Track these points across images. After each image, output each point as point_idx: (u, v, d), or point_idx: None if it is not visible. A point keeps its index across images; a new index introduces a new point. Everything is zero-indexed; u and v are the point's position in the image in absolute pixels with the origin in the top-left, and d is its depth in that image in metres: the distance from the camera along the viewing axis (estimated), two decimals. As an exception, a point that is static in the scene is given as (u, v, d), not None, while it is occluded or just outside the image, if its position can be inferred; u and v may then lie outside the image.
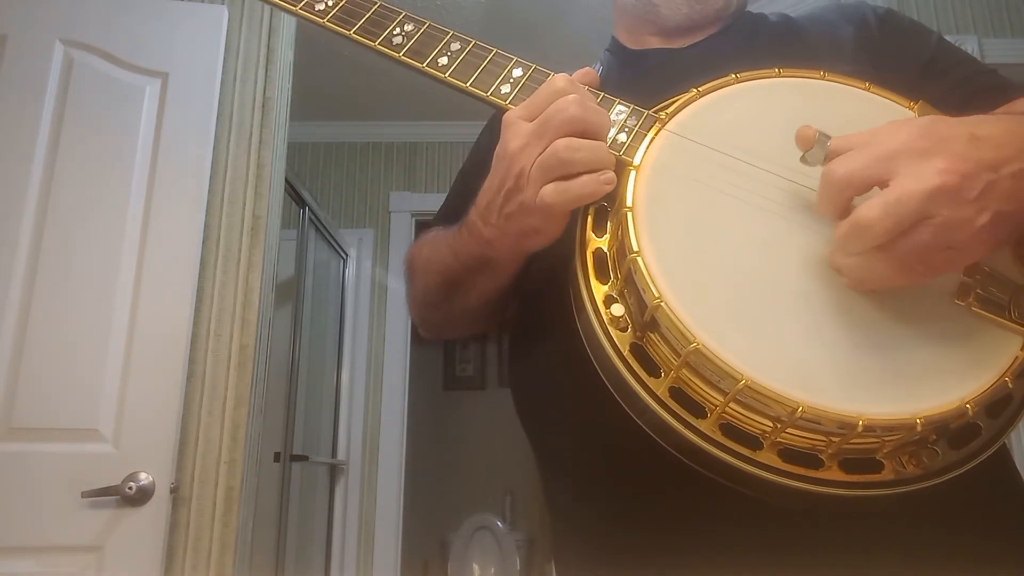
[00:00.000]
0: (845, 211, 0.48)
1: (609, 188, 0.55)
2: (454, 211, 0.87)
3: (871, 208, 0.45)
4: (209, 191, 1.75)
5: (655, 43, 0.83)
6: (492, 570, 3.83)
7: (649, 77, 0.78)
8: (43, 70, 1.68)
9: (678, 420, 0.49)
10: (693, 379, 0.50)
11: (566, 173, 0.54)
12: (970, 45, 2.27)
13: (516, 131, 0.57)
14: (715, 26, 0.82)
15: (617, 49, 0.87)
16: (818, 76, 0.62)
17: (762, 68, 0.63)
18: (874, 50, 0.74)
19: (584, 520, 0.71)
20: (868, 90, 0.61)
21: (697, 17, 0.80)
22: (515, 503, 4.16)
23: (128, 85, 1.74)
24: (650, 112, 0.60)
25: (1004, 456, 0.66)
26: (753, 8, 0.86)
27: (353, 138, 3.46)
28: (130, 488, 1.47)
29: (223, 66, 1.83)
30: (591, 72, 0.61)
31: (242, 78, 1.88)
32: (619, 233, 0.55)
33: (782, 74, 0.62)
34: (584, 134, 0.55)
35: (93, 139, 1.68)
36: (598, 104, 0.58)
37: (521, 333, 0.78)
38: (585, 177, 0.54)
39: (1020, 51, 2.31)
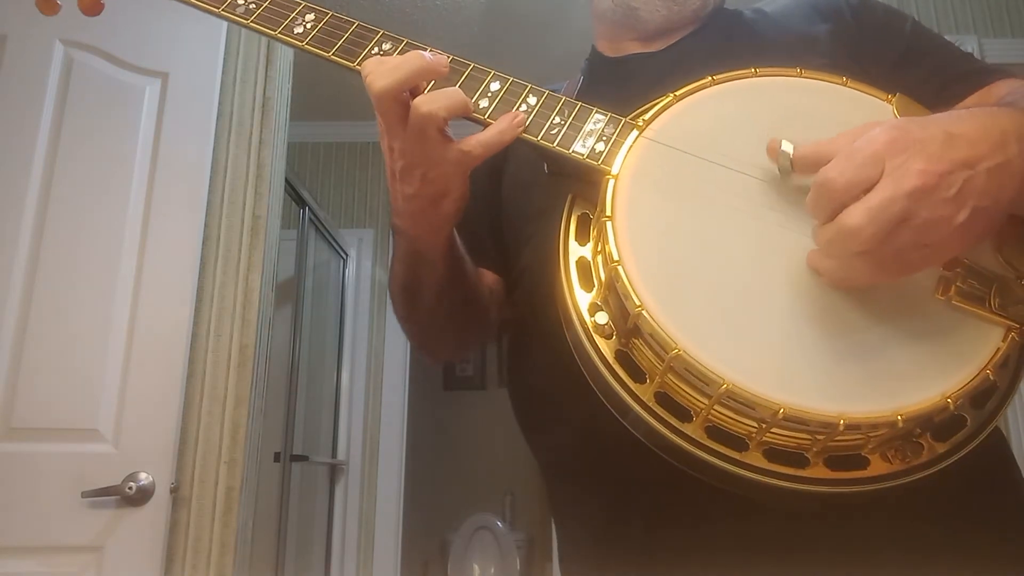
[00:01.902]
0: (837, 214, 0.49)
1: (459, 99, 0.58)
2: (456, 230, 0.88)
3: (855, 215, 0.46)
4: (209, 191, 1.75)
5: (634, 48, 0.83)
6: (492, 570, 3.83)
7: (629, 84, 0.78)
8: (43, 70, 1.68)
9: (664, 425, 0.50)
10: (678, 383, 0.51)
11: (439, 124, 0.57)
12: (970, 45, 2.27)
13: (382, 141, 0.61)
14: (692, 26, 0.81)
15: (596, 58, 0.87)
16: (795, 74, 0.62)
17: (739, 67, 0.63)
18: (850, 41, 0.74)
19: (585, 518, 0.71)
20: (845, 84, 0.61)
21: (676, 18, 0.80)
22: (515, 503, 4.16)
23: (128, 85, 1.74)
24: (627, 120, 0.60)
25: (1007, 457, 0.66)
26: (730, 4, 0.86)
27: (353, 138, 3.46)
28: (130, 488, 1.47)
29: (223, 66, 1.83)
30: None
31: (242, 78, 1.88)
32: (600, 241, 0.55)
33: (758, 73, 0.62)
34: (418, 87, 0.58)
35: (93, 139, 1.68)
36: (559, 105, 0.60)
37: (517, 337, 0.78)
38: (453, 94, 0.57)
39: (1020, 51, 2.31)
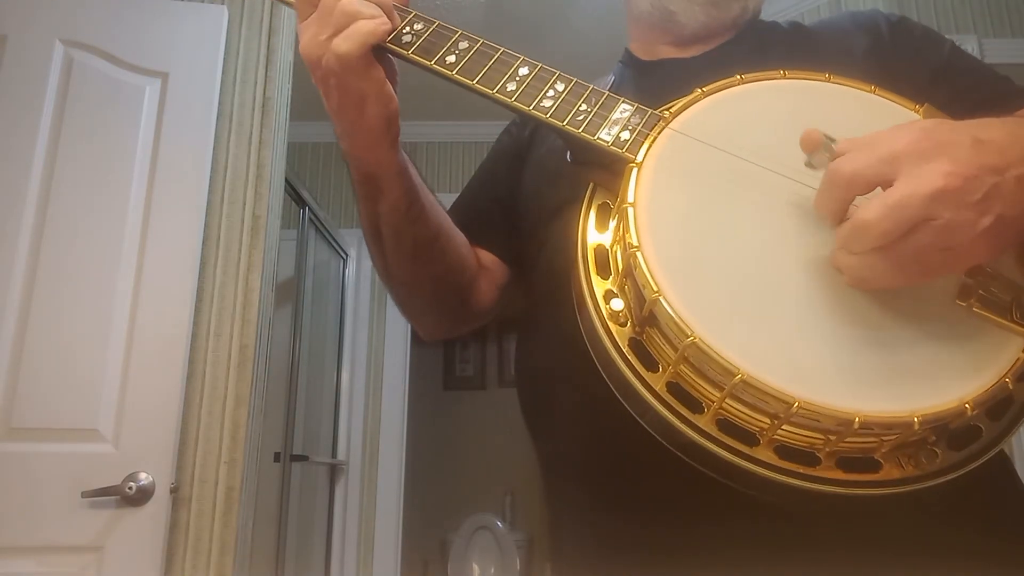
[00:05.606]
0: (844, 210, 0.49)
1: (386, 28, 0.61)
2: (462, 207, 0.88)
3: (871, 209, 0.45)
4: (209, 191, 1.75)
5: (668, 52, 0.83)
6: (492, 570, 3.84)
7: (660, 87, 0.78)
8: (43, 70, 1.68)
9: (675, 415, 0.49)
10: (691, 374, 0.50)
11: (349, 22, 0.59)
12: (970, 45, 2.27)
13: (301, 32, 0.62)
14: (729, 33, 0.81)
15: (630, 61, 0.87)
16: (823, 78, 0.62)
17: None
18: (886, 57, 0.73)
19: (582, 510, 0.71)
20: (873, 92, 0.61)
21: (714, 24, 0.80)
22: (515, 503, 4.16)
23: (128, 85, 1.74)
24: (654, 111, 0.60)
25: (1004, 459, 0.66)
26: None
27: (353, 138, 3.45)
28: (130, 488, 1.47)
29: (223, 66, 1.83)
30: None
31: (242, 78, 1.88)
32: (620, 229, 0.55)
33: (787, 75, 0.62)
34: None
35: (93, 139, 1.68)
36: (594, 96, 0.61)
37: (526, 326, 0.78)
38: (361, 20, 0.59)
39: (1020, 51, 2.31)
